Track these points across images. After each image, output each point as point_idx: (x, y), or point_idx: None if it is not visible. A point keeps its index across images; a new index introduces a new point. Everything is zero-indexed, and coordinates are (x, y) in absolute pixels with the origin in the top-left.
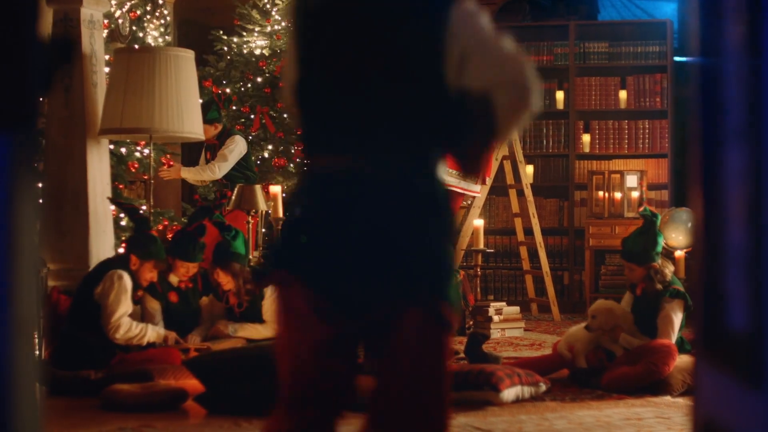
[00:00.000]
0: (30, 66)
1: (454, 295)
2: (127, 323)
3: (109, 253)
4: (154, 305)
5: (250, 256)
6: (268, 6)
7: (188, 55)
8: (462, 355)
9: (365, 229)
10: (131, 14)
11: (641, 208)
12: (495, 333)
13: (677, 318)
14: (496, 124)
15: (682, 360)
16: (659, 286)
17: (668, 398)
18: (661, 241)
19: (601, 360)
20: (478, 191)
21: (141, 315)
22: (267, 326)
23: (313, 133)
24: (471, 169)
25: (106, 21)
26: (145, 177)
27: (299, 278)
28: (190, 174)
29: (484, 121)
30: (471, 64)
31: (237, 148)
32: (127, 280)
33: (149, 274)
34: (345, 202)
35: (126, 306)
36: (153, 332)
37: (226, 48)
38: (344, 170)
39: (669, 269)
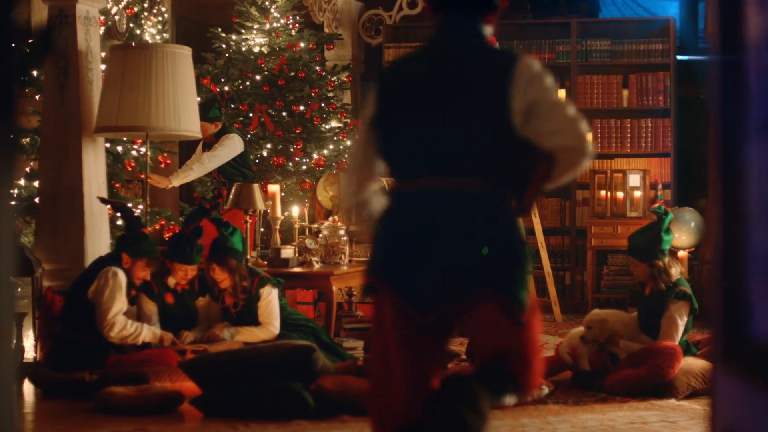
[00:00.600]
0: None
1: (526, 296)
2: (122, 321)
3: (105, 252)
4: (151, 306)
5: (248, 256)
6: (266, 3)
7: (185, 52)
8: (464, 357)
9: (450, 239)
10: (128, 11)
11: (655, 205)
12: None
13: (682, 320)
14: (553, 177)
15: (687, 363)
16: (662, 285)
17: (673, 401)
18: (669, 240)
19: (604, 362)
20: None
21: (137, 316)
22: (263, 328)
23: (403, 163)
24: (523, 207)
25: (102, 18)
26: (142, 176)
27: (393, 285)
28: (179, 179)
29: (545, 174)
30: (537, 120)
31: (230, 143)
32: (122, 277)
33: (142, 273)
34: (434, 216)
35: (121, 303)
36: (148, 332)
37: (224, 46)
38: (427, 191)
39: (675, 269)
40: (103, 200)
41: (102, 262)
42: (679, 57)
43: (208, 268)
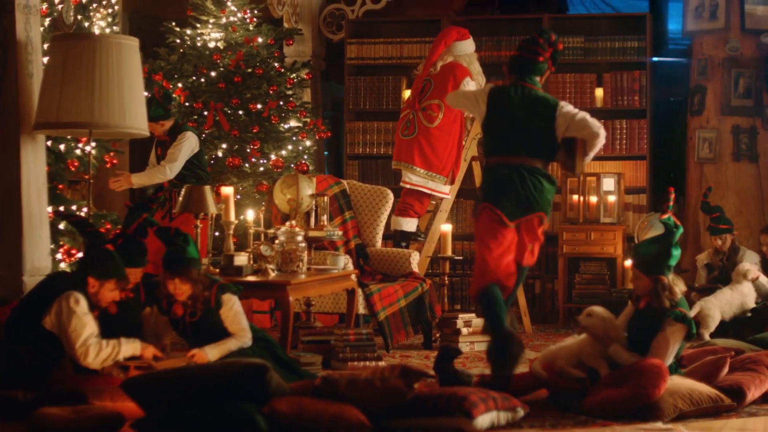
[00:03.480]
0: None
1: (549, 213)
2: (95, 344)
3: (45, 259)
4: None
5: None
6: None
7: (132, 43)
8: (431, 372)
9: (518, 185)
10: (73, 0)
11: (665, 216)
12: (464, 347)
13: (675, 344)
14: (587, 150)
15: (673, 382)
16: (666, 303)
17: (659, 424)
18: (677, 255)
19: (583, 380)
20: (447, 192)
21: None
22: (238, 337)
23: (495, 147)
24: (573, 169)
25: (45, 7)
26: (86, 176)
27: (493, 205)
28: (141, 179)
29: (582, 149)
30: (575, 129)
31: (186, 144)
32: (83, 301)
33: (110, 294)
34: (509, 175)
35: (90, 327)
36: (128, 346)
37: (178, 40)
38: (509, 164)
39: (680, 288)
40: (58, 213)
41: (60, 285)
42: (653, 59)
43: (166, 281)
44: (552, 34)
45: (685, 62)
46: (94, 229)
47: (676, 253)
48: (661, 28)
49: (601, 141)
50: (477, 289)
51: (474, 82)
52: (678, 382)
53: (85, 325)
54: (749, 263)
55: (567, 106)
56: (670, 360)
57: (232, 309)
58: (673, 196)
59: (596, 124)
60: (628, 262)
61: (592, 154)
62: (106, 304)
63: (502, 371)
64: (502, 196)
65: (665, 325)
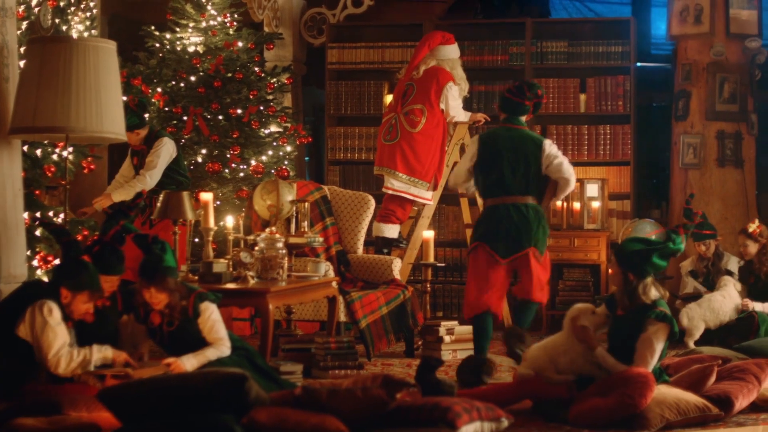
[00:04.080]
0: None
1: (544, 250)
2: (67, 354)
3: (21, 266)
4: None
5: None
6: (203, 0)
7: (109, 47)
8: (413, 382)
9: (511, 224)
10: (50, 2)
11: (681, 231)
12: (446, 355)
13: (659, 344)
14: (557, 193)
15: (660, 391)
16: (643, 299)
17: None
18: (658, 265)
19: (569, 389)
20: (429, 198)
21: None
22: (216, 346)
23: (490, 189)
24: (545, 206)
25: (22, 10)
26: (62, 182)
27: (486, 244)
28: (120, 195)
29: (552, 191)
30: (551, 169)
31: (164, 150)
32: (57, 311)
33: (84, 306)
34: (503, 215)
35: (62, 337)
36: (99, 354)
37: (158, 45)
38: (504, 204)
39: (655, 291)
40: (36, 220)
41: (34, 294)
42: (638, 64)
43: (143, 290)
44: (539, 89)
45: (668, 68)
46: (71, 239)
47: (658, 261)
48: (644, 34)
49: (571, 188)
50: (469, 316)
51: (457, 87)
52: (665, 391)
53: (57, 335)
54: (729, 279)
55: (551, 146)
56: (655, 361)
57: (210, 318)
58: (699, 213)
59: (569, 171)
60: None
61: (560, 197)
62: (78, 316)
63: (461, 381)
64: (496, 235)
65: (647, 326)
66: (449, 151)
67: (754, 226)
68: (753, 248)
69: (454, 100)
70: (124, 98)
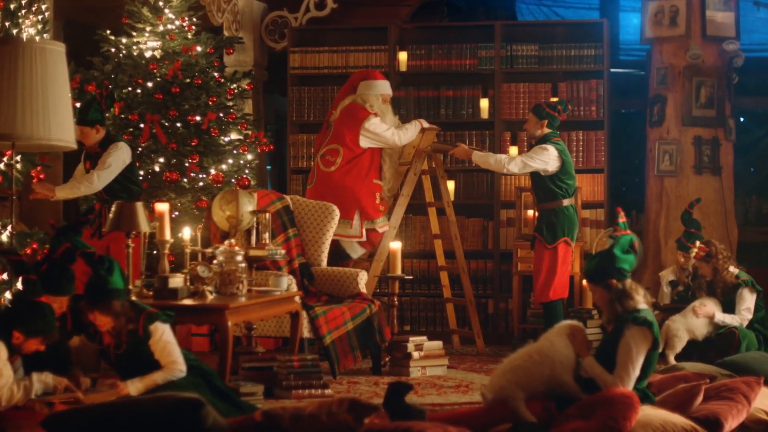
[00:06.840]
0: None
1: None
2: (7, 393)
3: None
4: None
5: (130, 286)
6: (160, 3)
7: (58, 49)
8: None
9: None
10: None
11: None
12: (415, 372)
13: (637, 349)
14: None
15: (645, 413)
16: (619, 308)
17: None
18: (627, 259)
19: (548, 410)
20: (358, 235)
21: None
22: (167, 369)
23: (568, 190)
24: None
25: None
26: (9, 192)
27: (570, 240)
28: (65, 192)
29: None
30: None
31: (119, 153)
32: (3, 351)
33: (34, 346)
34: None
35: (7, 376)
36: (38, 384)
37: (113, 49)
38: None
39: (641, 297)
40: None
41: None
42: (612, 70)
43: (87, 313)
44: (569, 103)
45: (638, 74)
46: (29, 277)
47: (624, 256)
48: (613, 39)
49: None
50: (547, 299)
51: (378, 119)
52: (650, 412)
53: (2, 375)
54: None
55: None
56: (635, 369)
57: (161, 339)
58: (622, 214)
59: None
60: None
61: (484, 160)
62: (28, 352)
63: None
64: (573, 232)
65: (624, 330)
66: (417, 160)
67: (695, 250)
68: (707, 269)
69: (381, 129)
70: (92, 91)
